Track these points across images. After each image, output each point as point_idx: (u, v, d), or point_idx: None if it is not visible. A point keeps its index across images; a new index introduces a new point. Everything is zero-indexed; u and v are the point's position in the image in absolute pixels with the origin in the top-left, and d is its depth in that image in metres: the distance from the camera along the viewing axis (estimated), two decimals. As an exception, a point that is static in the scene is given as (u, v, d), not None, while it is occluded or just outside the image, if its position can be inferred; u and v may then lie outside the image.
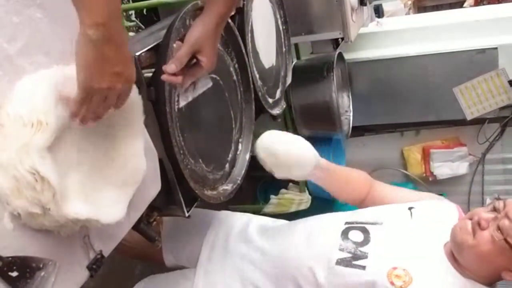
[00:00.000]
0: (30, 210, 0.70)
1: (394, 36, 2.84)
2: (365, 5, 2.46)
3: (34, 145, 0.69)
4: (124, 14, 2.14)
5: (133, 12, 2.34)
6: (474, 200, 2.84)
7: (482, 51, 2.55)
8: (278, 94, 1.76)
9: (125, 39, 0.74)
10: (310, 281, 1.16)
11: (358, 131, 2.87)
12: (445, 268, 1.09)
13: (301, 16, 2.12)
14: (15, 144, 0.69)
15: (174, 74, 0.92)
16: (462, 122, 2.72)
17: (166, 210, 1.19)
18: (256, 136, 1.46)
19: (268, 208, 2.60)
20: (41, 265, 0.73)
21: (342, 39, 2.25)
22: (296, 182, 2.69)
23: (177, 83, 0.97)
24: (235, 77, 1.39)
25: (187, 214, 1.17)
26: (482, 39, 2.60)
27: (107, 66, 0.71)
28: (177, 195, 1.14)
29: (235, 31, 1.35)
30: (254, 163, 1.44)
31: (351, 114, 2.64)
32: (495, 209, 1.06)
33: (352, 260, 1.12)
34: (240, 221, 1.43)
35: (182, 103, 1.11)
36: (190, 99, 1.14)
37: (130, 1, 2.36)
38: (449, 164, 2.82)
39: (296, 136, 1.31)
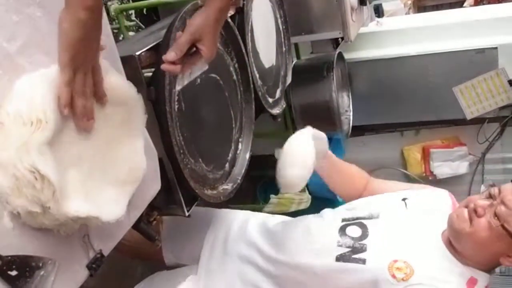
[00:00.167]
0: (30, 209, 0.70)
1: (394, 35, 2.84)
2: (365, 4, 2.46)
3: (34, 143, 0.69)
4: (124, 13, 2.14)
5: (133, 11, 2.34)
6: (474, 199, 2.84)
7: (482, 50, 2.55)
8: (278, 93, 1.76)
9: (101, 20, 0.77)
10: (312, 280, 1.16)
11: (358, 130, 2.87)
12: (444, 257, 1.10)
13: (301, 15, 2.12)
14: (14, 142, 0.68)
15: (173, 63, 0.93)
16: (462, 122, 2.72)
17: (166, 210, 1.19)
18: (256, 135, 1.46)
19: (268, 208, 2.59)
20: (40, 264, 0.73)
21: (342, 38, 2.25)
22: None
23: (176, 72, 0.98)
24: (235, 77, 1.39)
25: (187, 214, 1.17)
26: (482, 39, 2.60)
27: (91, 45, 0.74)
28: (177, 194, 1.14)
29: (235, 30, 1.35)
30: (254, 162, 1.44)
31: (351, 113, 2.64)
32: (490, 196, 1.07)
33: (352, 254, 1.13)
34: (238, 219, 1.43)
35: (178, 87, 1.10)
36: (186, 83, 1.13)
37: (130, 1, 2.36)
38: (449, 164, 2.82)
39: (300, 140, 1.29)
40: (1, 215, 0.69)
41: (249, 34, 1.46)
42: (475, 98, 2.61)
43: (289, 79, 1.88)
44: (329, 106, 2.24)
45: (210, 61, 0.98)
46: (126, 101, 0.87)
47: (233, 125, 1.39)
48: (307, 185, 2.68)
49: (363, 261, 1.10)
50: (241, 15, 1.42)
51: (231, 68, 1.37)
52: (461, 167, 2.82)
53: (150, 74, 1.07)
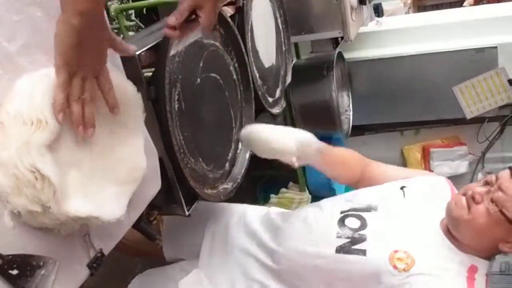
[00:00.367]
0: (30, 208, 0.70)
1: (394, 35, 2.84)
2: (365, 4, 2.46)
3: (34, 143, 0.69)
4: (124, 13, 2.14)
5: (133, 11, 2.34)
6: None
7: (482, 50, 2.55)
8: (278, 93, 1.76)
9: (105, 23, 0.76)
10: (312, 272, 1.16)
11: (358, 130, 2.87)
12: (444, 246, 1.10)
13: (300, 15, 2.12)
14: (15, 142, 0.69)
15: (174, 28, 0.94)
16: (462, 121, 2.72)
17: (166, 209, 1.19)
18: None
19: (268, 208, 2.60)
20: (41, 263, 0.73)
21: (342, 38, 2.25)
22: (296, 182, 2.69)
23: (174, 37, 0.99)
24: (235, 76, 1.40)
25: (187, 213, 1.17)
26: (481, 38, 2.60)
27: (86, 49, 0.73)
28: (177, 193, 1.14)
29: (235, 30, 1.35)
30: (254, 162, 1.44)
31: (351, 113, 2.65)
32: (487, 183, 1.07)
33: (351, 245, 1.12)
34: (237, 211, 1.43)
35: (173, 52, 1.10)
36: (180, 48, 1.13)
37: (130, 1, 2.36)
38: (449, 163, 2.82)
39: (277, 130, 1.29)
40: (2, 214, 0.69)
41: (249, 33, 1.46)
42: (475, 98, 2.61)
43: (289, 79, 1.88)
44: (329, 106, 2.24)
45: (208, 30, 1.00)
46: (126, 100, 0.87)
47: (233, 125, 1.40)
48: (307, 185, 2.70)
49: (364, 252, 1.10)
50: (241, 15, 1.43)
51: (231, 68, 1.38)
52: (461, 166, 2.82)
53: (150, 73, 1.08)
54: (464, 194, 1.09)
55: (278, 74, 1.78)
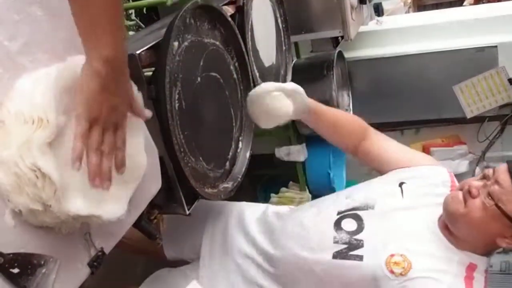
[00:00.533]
0: (31, 207, 0.70)
1: (394, 34, 2.84)
2: (365, 3, 2.46)
3: (35, 142, 0.69)
4: (124, 13, 2.14)
5: (133, 11, 2.34)
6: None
7: (482, 49, 2.55)
8: (278, 92, 1.76)
9: (127, 71, 0.76)
10: (309, 276, 1.16)
11: (358, 129, 2.86)
12: (441, 245, 1.09)
13: (301, 14, 2.12)
14: (16, 141, 0.69)
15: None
16: (462, 120, 2.72)
17: (167, 208, 1.19)
18: (256, 134, 1.47)
19: (268, 207, 2.60)
20: (42, 262, 0.73)
21: (342, 37, 2.25)
22: (296, 181, 2.69)
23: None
24: (235, 76, 1.40)
25: (187, 212, 1.17)
26: (481, 38, 2.60)
27: (110, 99, 0.73)
28: (178, 193, 1.14)
29: (235, 29, 1.36)
30: (255, 161, 1.44)
31: (351, 112, 2.64)
32: (485, 177, 1.06)
33: (348, 251, 1.12)
34: (235, 210, 1.42)
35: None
36: None
37: (130, 0, 2.36)
38: (449, 162, 2.82)
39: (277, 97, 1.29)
40: (3, 212, 0.70)
41: (249, 33, 1.46)
42: (475, 97, 2.61)
43: (289, 78, 1.88)
44: (329, 105, 2.19)
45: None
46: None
47: (234, 124, 1.40)
48: (307, 184, 2.70)
49: (360, 258, 1.10)
50: (241, 14, 1.43)
51: (231, 67, 1.38)
52: (461, 165, 2.81)
53: (151, 73, 1.08)
54: (461, 189, 1.08)
55: (278, 73, 1.78)
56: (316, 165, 2.58)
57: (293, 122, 2.41)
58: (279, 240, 1.25)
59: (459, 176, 2.80)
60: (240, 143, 1.43)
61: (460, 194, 1.07)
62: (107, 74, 0.70)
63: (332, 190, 2.59)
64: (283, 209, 1.42)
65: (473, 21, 2.70)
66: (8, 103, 0.71)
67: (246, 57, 1.42)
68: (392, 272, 1.05)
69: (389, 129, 2.93)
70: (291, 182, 2.75)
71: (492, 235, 1.03)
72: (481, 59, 2.55)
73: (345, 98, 2.65)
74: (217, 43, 1.30)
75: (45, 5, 0.77)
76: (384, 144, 1.36)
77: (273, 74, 1.72)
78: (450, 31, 2.72)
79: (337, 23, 2.13)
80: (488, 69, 2.55)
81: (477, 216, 1.02)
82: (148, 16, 2.39)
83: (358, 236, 1.14)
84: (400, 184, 1.22)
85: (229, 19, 1.33)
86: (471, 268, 1.06)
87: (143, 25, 2.29)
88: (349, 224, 1.17)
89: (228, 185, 1.34)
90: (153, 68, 1.07)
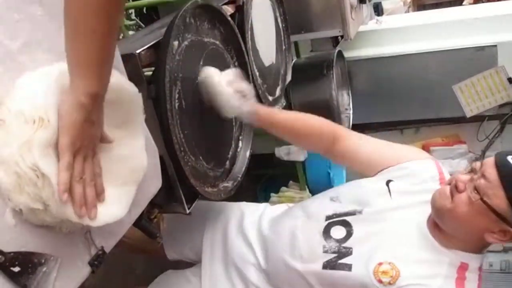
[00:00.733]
0: (32, 206, 0.70)
1: (394, 34, 2.85)
2: (365, 3, 2.47)
3: (36, 142, 0.69)
4: (125, 13, 2.14)
5: (133, 11, 2.35)
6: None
7: (482, 48, 2.55)
8: (278, 92, 1.76)
9: (102, 107, 0.77)
10: (304, 285, 1.15)
11: (358, 129, 2.84)
12: (430, 248, 1.05)
13: (300, 14, 2.12)
14: (16, 140, 0.69)
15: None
16: (462, 120, 2.73)
17: (167, 207, 1.19)
18: (256, 134, 1.47)
19: (268, 206, 2.60)
20: (43, 261, 0.73)
21: (342, 37, 2.26)
22: (296, 180, 2.70)
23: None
24: (235, 75, 1.40)
25: (187, 211, 1.17)
26: (481, 37, 2.60)
27: (92, 129, 0.75)
28: (178, 192, 1.14)
29: (235, 29, 1.36)
30: (255, 161, 1.45)
31: (351, 112, 2.65)
32: (472, 171, 1.03)
33: (338, 259, 1.10)
34: (235, 213, 1.42)
35: None
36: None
37: (130, 0, 2.36)
38: (449, 162, 2.82)
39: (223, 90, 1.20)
40: (4, 211, 0.70)
41: (249, 32, 1.47)
42: (474, 96, 2.61)
43: (289, 78, 1.88)
44: (329, 105, 2.24)
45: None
46: (127, 100, 0.87)
47: (233, 123, 1.40)
48: (307, 184, 2.70)
49: (349, 267, 1.08)
50: (241, 14, 1.43)
51: (231, 66, 1.38)
52: (461, 164, 2.81)
53: (151, 72, 1.08)
54: (450, 183, 1.04)
55: (278, 72, 1.78)
56: (316, 165, 2.59)
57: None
58: (271, 249, 1.25)
59: (459, 175, 2.82)
60: (240, 142, 1.44)
61: (447, 189, 1.03)
62: (93, 107, 0.73)
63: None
64: (280, 208, 1.40)
65: (473, 21, 2.71)
66: (8, 102, 0.71)
67: (246, 57, 1.42)
68: (380, 281, 1.02)
69: (389, 129, 2.94)
70: (291, 182, 2.76)
71: (480, 230, 1.00)
72: (480, 59, 2.56)
73: (345, 98, 2.65)
74: (217, 42, 1.30)
75: (45, 5, 0.77)
76: (360, 144, 1.27)
77: (273, 74, 1.72)
78: (450, 30, 2.72)
79: (337, 23, 2.13)
80: (488, 68, 2.56)
81: (463, 211, 0.99)
82: (148, 15, 2.39)
83: (347, 244, 1.12)
84: (388, 182, 1.17)
85: (229, 18, 1.33)
86: (462, 268, 1.03)
87: (143, 25, 2.29)
88: (338, 232, 1.14)
89: (228, 184, 1.34)
90: (153, 68, 1.07)
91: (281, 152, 2.49)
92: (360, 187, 1.22)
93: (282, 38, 1.82)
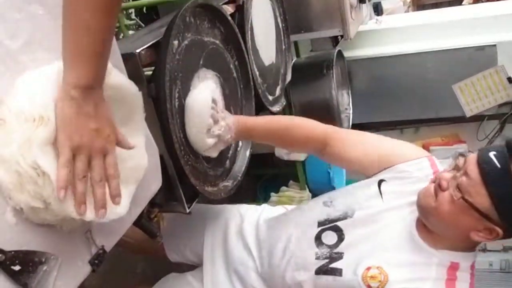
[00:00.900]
0: (32, 205, 0.71)
1: (393, 33, 2.85)
2: (364, 2, 2.47)
3: (36, 140, 0.69)
4: (124, 12, 2.14)
5: (133, 10, 2.35)
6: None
7: (481, 48, 2.55)
8: (278, 91, 1.76)
9: (102, 98, 0.76)
10: None
11: (358, 128, 2.86)
12: (419, 250, 1.04)
13: (300, 13, 2.13)
14: (17, 139, 0.69)
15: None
16: (462, 119, 2.73)
17: (167, 206, 1.19)
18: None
19: (268, 206, 2.60)
20: (43, 259, 0.73)
21: (342, 36, 2.26)
22: (296, 180, 2.70)
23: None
24: (235, 74, 1.40)
25: (188, 210, 1.17)
26: (481, 37, 2.60)
27: (88, 123, 0.73)
28: (178, 191, 1.15)
29: (235, 28, 1.36)
30: (254, 161, 1.45)
31: (351, 111, 2.65)
32: (456, 168, 1.01)
33: (329, 264, 1.10)
34: (235, 217, 1.42)
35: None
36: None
37: (130, 0, 2.37)
38: (449, 161, 2.82)
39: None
40: (4, 210, 0.70)
41: (249, 32, 1.47)
42: (474, 96, 2.62)
43: (289, 77, 1.88)
44: (328, 104, 2.24)
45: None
46: (127, 99, 0.87)
47: (233, 123, 1.40)
48: (307, 183, 2.70)
49: (340, 272, 1.08)
50: (241, 13, 1.43)
51: (231, 66, 1.38)
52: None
53: (151, 72, 1.08)
54: (435, 181, 1.02)
55: (278, 72, 1.78)
56: (316, 164, 2.59)
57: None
58: (266, 256, 1.25)
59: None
60: (240, 141, 1.44)
61: (432, 187, 1.01)
62: (83, 99, 0.71)
63: (332, 188, 2.58)
64: (277, 211, 1.40)
65: (472, 20, 2.71)
66: (9, 101, 0.71)
67: (246, 56, 1.42)
68: (369, 286, 1.02)
69: (389, 128, 2.94)
70: (291, 181, 2.76)
71: (465, 229, 0.97)
72: (480, 58, 2.56)
73: (345, 97, 2.66)
74: (217, 42, 1.30)
75: (46, 4, 0.78)
76: (352, 146, 1.21)
77: (273, 73, 1.72)
78: (449, 30, 2.72)
79: (337, 22, 2.14)
80: (487, 68, 2.56)
81: (446, 209, 0.97)
82: (148, 15, 2.39)
83: (338, 249, 1.11)
84: (379, 183, 1.14)
85: (229, 18, 1.33)
86: (452, 268, 1.01)
87: (143, 24, 2.29)
88: (329, 237, 1.14)
89: (228, 183, 1.35)
90: (153, 67, 1.07)
91: (281, 152, 2.49)
92: (352, 191, 1.20)
93: (282, 37, 1.82)
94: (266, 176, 3.10)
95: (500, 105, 2.64)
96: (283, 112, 2.28)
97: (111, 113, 0.79)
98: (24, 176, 0.69)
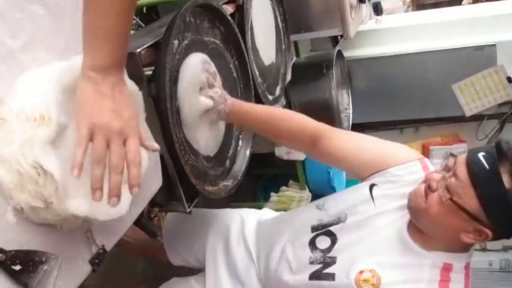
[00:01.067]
0: (33, 204, 0.71)
1: (393, 33, 2.85)
2: (364, 2, 2.47)
3: (37, 139, 0.70)
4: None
5: (132, 10, 2.34)
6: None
7: (481, 48, 2.56)
8: (278, 91, 1.76)
9: (122, 81, 0.76)
10: None
11: (358, 128, 2.86)
12: (411, 252, 1.03)
13: (300, 13, 2.13)
14: (18, 138, 0.69)
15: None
16: (461, 119, 2.73)
17: (167, 206, 1.19)
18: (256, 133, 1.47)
19: (268, 206, 2.61)
20: (44, 259, 0.74)
21: (341, 36, 2.26)
22: (296, 180, 2.70)
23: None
24: (235, 74, 1.40)
25: (188, 210, 1.17)
26: (480, 36, 2.61)
27: (105, 102, 0.72)
28: (178, 190, 1.15)
29: (235, 28, 1.36)
30: (255, 160, 1.45)
31: (351, 111, 2.65)
32: (446, 169, 1.00)
33: (322, 269, 1.10)
34: (236, 221, 1.42)
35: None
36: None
37: None
38: (449, 161, 2.83)
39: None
40: (5, 210, 0.70)
41: (249, 31, 1.47)
42: (474, 95, 2.62)
43: (288, 77, 1.88)
44: (328, 104, 2.25)
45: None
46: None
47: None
48: (307, 183, 2.70)
49: (333, 277, 1.07)
50: (241, 13, 1.43)
51: (231, 65, 1.38)
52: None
53: (151, 72, 1.08)
54: (426, 182, 1.01)
55: (278, 72, 1.78)
56: (316, 164, 2.59)
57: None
58: (263, 260, 1.26)
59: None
60: (240, 141, 1.44)
61: (422, 188, 1.00)
62: (101, 79, 0.72)
63: (332, 188, 2.60)
64: (275, 215, 1.41)
65: (472, 20, 2.71)
66: (10, 100, 0.71)
67: (246, 56, 1.42)
68: None
69: (389, 128, 2.95)
70: (291, 181, 2.76)
71: (455, 230, 0.96)
72: (479, 58, 2.56)
73: (345, 97, 2.66)
74: (217, 41, 1.30)
75: (46, 4, 0.78)
76: (342, 146, 1.19)
77: (272, 73, 1.72)
78: (449, 30, 2.73)
79: (337, 22, 2.14)
80: (487, 68, 2.56)
81: (435, 210, 0.96)
82: (148, 15, 2.39)
83: (331, 254, 1.12)
84: (371, 188, 1.13)
85: (229, 17, 1.33)
86: (446, 269, 1.00)
87: (143, 24, 2.29)
88: (323, 242, 1.14)
89: (228, 183, 1.35)
90: (153, 67, 1.07)
91: (281, 152, 2.49)
92: (345, 196, 1.20)
93: (282, 37, 1.82)
94: (266, 176, 3.10)
95: (500, 105, 2.64)
96: (283, 112, 2.29)
97: (133, 99, 0.78)
98: (25, 175, 0.69)
